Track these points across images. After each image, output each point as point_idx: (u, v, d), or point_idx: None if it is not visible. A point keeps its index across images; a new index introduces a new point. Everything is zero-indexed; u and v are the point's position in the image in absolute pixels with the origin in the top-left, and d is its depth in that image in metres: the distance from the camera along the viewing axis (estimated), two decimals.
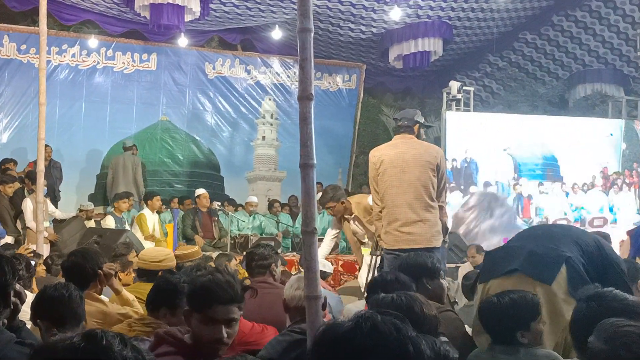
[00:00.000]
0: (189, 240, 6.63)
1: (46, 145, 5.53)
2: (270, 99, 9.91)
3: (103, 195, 8.45)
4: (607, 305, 1.70)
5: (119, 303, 2.78)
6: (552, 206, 7.75)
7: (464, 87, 7.90)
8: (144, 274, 3.14)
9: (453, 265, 5.75)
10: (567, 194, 7.82)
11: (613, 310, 1.65)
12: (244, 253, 3.27)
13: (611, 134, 8.15)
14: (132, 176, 8.00)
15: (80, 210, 6.74)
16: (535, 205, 7.66)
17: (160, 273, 3.08)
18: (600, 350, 1.42)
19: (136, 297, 2.91)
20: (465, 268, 5.33)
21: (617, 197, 8.02)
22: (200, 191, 7.24)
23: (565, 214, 7.79)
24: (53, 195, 7.26)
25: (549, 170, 7.78)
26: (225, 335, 1.74)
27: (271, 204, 8.32)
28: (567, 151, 7.81)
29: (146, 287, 2.80)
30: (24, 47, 8.44)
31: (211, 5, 7.68)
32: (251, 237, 6.71)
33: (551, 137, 7.78)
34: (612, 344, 1.40)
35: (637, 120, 8.59)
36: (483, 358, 2.08)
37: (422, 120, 3.85)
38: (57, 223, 5.90)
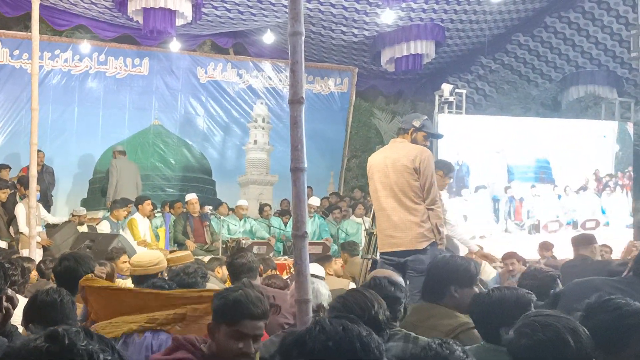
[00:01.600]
0: (180, 245, 6.69)
1: (39, 151, 5.59)
2: (262, 103, 9.99)
3: (96, 200, 8.46)
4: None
5: None
6: (544, 209, 7.81)
7: (456, 90, 7.97)
8: (143, 280, 3.05)
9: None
10: (559, 197, 7.88)
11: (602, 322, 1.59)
12: (226, 264, 3.27)
13: (604, 136, 8.21)
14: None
15: (73, 216, 6.77)
16: (527, 208, 7.73)
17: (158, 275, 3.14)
18: (509, 340, 1.47)
19: None
20: None
21: (610, 199, 8.08)
22: (190, 197, 7.32)
23: (558, 217, 7.85)
24: (46, 201, 7.31)
25: (542, 172, 7.85)
26: (253, 350, 1.81)
27: (262, 208, 8.37)
28: (560, 153, 7.87)
29: None
30: (16, 52, 8.51)
31: (203, 10, 7.75)
32: (243, 241, 6.75)
33: (544, 140, 7.84)
34: (516, 332, 1.45)
35: (630, 122, 8.66)
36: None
37: (418, 125, 3.83)
38: (50, 228, 5.94)
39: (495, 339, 1.90)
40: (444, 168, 4.30)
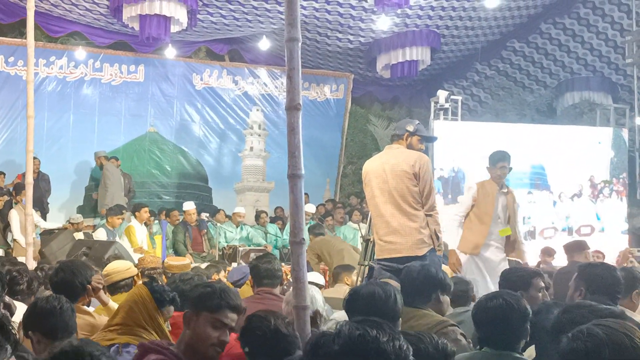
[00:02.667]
0: (180, 256, 6.65)
1: (34, 158, 5.61)
2: (257, 110, 10.06)
3: (92, 207, 8.48)
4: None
5: (106, 314, 2.85)
6: (539, 215, 7.86)
7: (452, 96, 8.03)
8: (122, 286, 3.23)
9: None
10: (554, 203, 7.94)
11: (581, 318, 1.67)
12: (249, 264, 3.32)
13: (599, 142, 8.28)
14: (121, 187, 8.06)
15: (70, 223, 6.77)
16: (522, 214, 7.77)
17: (135, 278, 3.20)
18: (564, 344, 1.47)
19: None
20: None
21: (605, 205, 8.14)
22: (188, 206, 7.33)
23: (553, 223, 7.90)
24: (42, 208, 7.32)
25: (537, 179, 7.91)
26: (228, 340, 1.86)
27: (258, 215, 8.40)
28: (555, 160, 7.93)
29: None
30: (11, 59, 8.55)
31: (198, 16, 7.83)
32: (239, 248, 6.77)
33: (539, 146, 7.90)
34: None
35: (625, 128, 8.74)
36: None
37: (411, 129, 3.87)
38: (46, 235, 5.95)
39: (499, 344, 1.98)
40: (490, 158, 4.44)
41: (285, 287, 3.85)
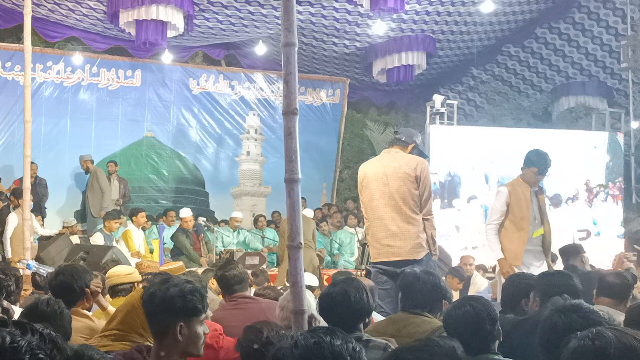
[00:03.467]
0: (194, 262, 6.65)
1: (32, 163, 5.64)
2: (254, 114, 10.12)
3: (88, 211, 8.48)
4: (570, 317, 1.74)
5: (105, 319, 2.88)
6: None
7: (448, 101, 8.07)
8: (120, 290, 3.26)
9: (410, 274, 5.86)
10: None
11: (575, 322, 1.70)
12: (215, 276, 3.35)
13: (595, 147, 8.33)
14: (119, 193, 8.09)
15: (64, 227, 6.80)
16: None
17: (135, 284, 3.23)
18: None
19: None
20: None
21: (601, 209, 8.20)
22: (185, 213, 7.35)
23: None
24: (40, 212, 7.34)
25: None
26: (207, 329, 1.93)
27: (256, 219, 8.44)
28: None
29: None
30: (8, 64, 8.60)
31: (195, 21, 7.89)
32: (236, 252, 6.81)
33: None
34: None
35: (620, 132, 8.80)
36: None
37: (419, 142, 3.96)
38: (43, 240, 5.97)
39: (474, 349, 1.97)
40: (533, 160, 4.18)
41: (282, 291, 3.89)
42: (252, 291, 3.69)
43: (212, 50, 9.67)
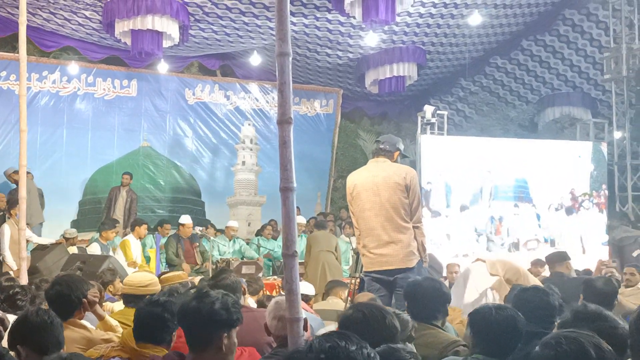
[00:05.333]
0: (174, 267, 6.61)
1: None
2: (249, 124, 10.06)
3: (87, 221, 8.36)
4: None
5: (103, 329, 2.80)
6: (523, 227, 7.91)
7: (438, 112, 8.08)
8: (131, 300, 3.14)
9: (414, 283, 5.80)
10: (537, 216, 8.00)
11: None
12: (208, 284, 3.26)
13: (580, 156, 8.37)
14: (125, 209, 7.97)
15: (66, 239, 6.63)
16: (506, 226, 7.82)
17: (147, 297, 3.10)
18: (534, 355, 1.54)
19: (123, 322, 2.93)
20: None
21: (585, 217, 8.22)
22: (185, 220, 7.27)
23: (536, 235, 7.95)
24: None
25: (520, 192, 7.96)
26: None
27: (263, 228, 8.42)
28: (538, 173, 7.99)
29: (132, 313, 2.80)
30: (4, 73, 8.48)
31: (190, 31, 7.84)
32: (232, 261, 6.71)
33: (522, 160, 7.96)
34: (541, 346, 1.52)
35: (604, 142, 8.86)
36: None
37: (402, 148, 3.96)
38: (39, 250, 5.82)
39: (494, 353, 2.01)
40: None
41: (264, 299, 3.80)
42: (246, 299, 3.60)
43: (208, 60, 9.62)
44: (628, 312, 3.55)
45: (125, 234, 7.07)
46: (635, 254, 5.57)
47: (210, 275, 6.04)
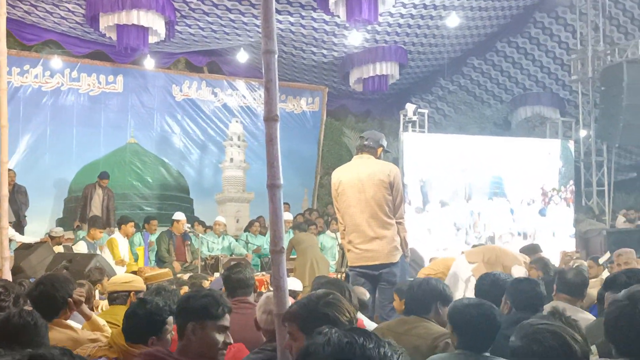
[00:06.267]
0: (164, 264, 6.37)
1: (9, 170, 5.23)
2: (237, 121, 9.80)
3: (72, 220, 7.93)
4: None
5: (90, 328, 2.66)
6: (498, 222, 7.97)
7: (419, 110, 8.06)
8: (116, 297, 3.06)
9: (412, 279, 5.79)
10: (511, 210, 8.07)
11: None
12: (221, 274, 3.19)
13: (549, 153, 8.49)
14: (103, 207, 7.68)
15: (52, 238, 6.34)
16: (483, 221, 7.87)
17: (131, 294, 2.98)
18: (517, 347, 1.55)
19: (110, 321, 2.83)
20: None
21: (555, 211, 8.34)
22: (179, 216, 7.00)
23: (510, 229, 8.04)
24: (18, 221, 6.82)
25: (496, 188, 8.03)
26: (231, 340, 1.92)
27: (251, 224, 8.18)
28: (511, 170, 8.08)
29: (119, 311, 2.71)
30: None
31: (177, 27, 7.58)
32: (221, 257, 6.56)
33: (497, 157, 8.03)
34: (526, 340, 1.53)
35: (571, 140, 9.00)
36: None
37: (385, 144, 3.91)
38: (23, 249, 5.53)
39: (475, 346, 2.02)
40: None
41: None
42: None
43: (195, 57, 9.33)
44: (592, 302, 3.57)
45: (110, 233, 6.81)
46: (604, 259, 5.62)
47: (199, 272, 5.92)
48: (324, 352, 1.08)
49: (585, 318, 2.73)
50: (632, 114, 8.43)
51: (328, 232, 8.23)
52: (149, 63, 8.75)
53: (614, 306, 1.61)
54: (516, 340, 1.57)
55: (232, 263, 6.15)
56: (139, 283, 3.15)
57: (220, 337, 1.83)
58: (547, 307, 2.54)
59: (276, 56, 1.96)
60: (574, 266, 4.45)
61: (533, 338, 1.52)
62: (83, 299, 2.68)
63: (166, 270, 3.99)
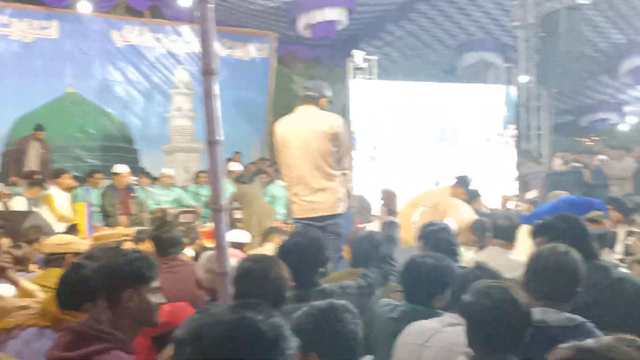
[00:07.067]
0: (110, 219, 6.04)
1: None
2: (183, 69, 9.19)
3: (11, 174, 7.38)
4: None
5: (19, 295, 2.45)
6: (444, 168, 8.09)
7: (368, 57, 7.86)
8: (51, 260, 2.81)
9: (362, 225, 5.84)
10: (458, 156, 8.21)
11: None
12: (150, 236, 3.02)
13: (494, 99, 8.60)
14: (43, 161, 7.09)
15: None
16: (429, 167, 7.98)
17: (67, 256, 2.78)
18: (468, 302, 1.62)
19: (45, 285, 2.57)
20: (372, 227, 5.42)
21: (499, 155, 8.57)
22: (122, 169, 6.49)
23: (455, 174, 8.19)
24: None
25: (442, 134, 8.10)
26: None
27: (197, 175, 7.81)
28: (459, 115, 8.15)
29: (55, 274, 2.51)
30: None
31: None
32: (170, 210, 6.33)
33: (445, 103, 8.06)
34: (477, 295, 1.61)
35: (513, 85, 9.13)
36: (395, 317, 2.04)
37: (329, 94, 3.75)
38: None
39: (425, 301, 2.01)
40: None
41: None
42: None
43: (135, 0, 8.59)
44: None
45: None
46: (530, 195, 5.85)
47: (147, 226, 5.70)
48: (216, 331, 1.06)
49: (517, 261, 2.74)
50: (570, 60, 8.58)
51: (278, 181, 8.11)
52: (86, 7, 7.91)
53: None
54: (468, 296, 1.63)
55: (181, 215, 6.01)
56: (76, 244, 2.88)
57: (154, 299, 1.72)
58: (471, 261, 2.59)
59: (213, 5, 1.75)
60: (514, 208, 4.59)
61: (484, 292, 1.60)
62: (9, 265, 2.47)
63: (116, 231, 3.76)
